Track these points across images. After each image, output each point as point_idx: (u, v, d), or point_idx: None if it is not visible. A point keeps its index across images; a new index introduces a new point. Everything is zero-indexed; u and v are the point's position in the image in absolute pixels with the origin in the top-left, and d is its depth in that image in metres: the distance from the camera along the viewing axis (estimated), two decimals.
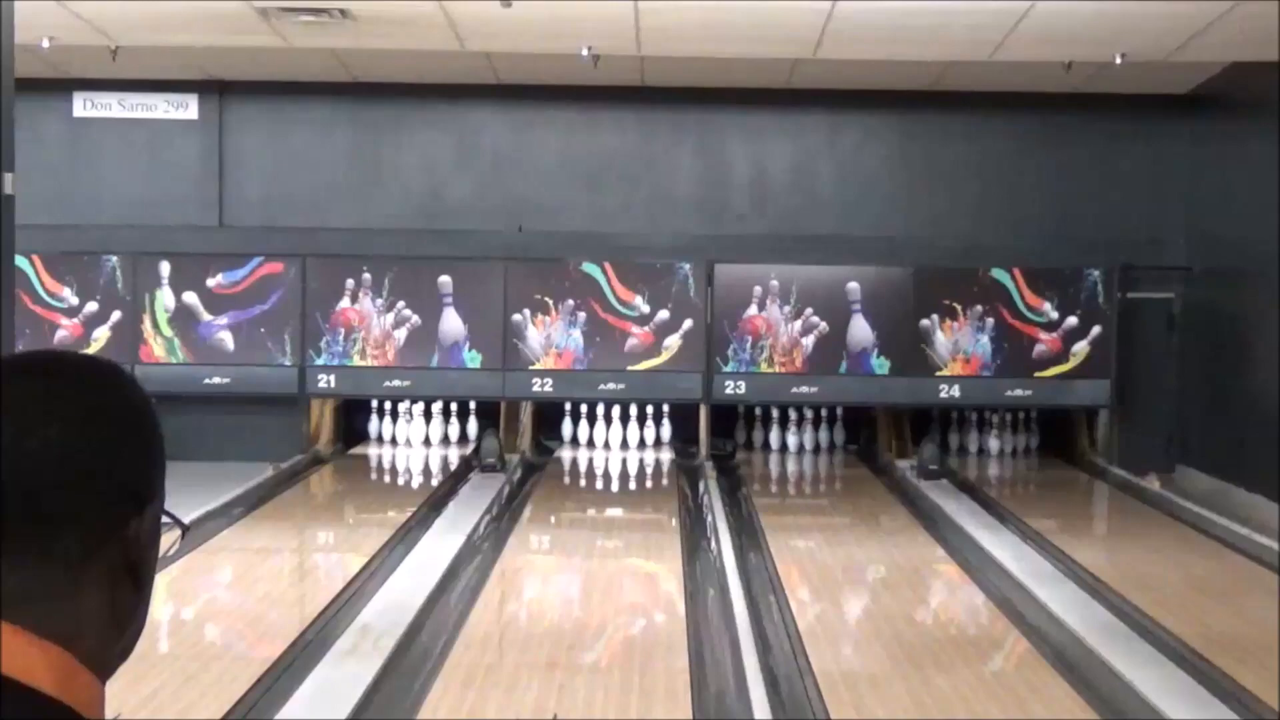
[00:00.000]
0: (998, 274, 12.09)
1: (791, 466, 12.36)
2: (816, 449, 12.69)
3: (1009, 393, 12.19)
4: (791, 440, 12.64)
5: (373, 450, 12.44)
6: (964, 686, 5.75)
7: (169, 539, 1.27)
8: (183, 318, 12.10)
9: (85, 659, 1.14)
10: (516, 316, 12.04)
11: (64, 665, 1.12)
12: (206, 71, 12.08)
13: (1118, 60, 10.29)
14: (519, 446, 12.10)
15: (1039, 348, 12.09)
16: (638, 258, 12.18)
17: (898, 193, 12.53)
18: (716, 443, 12.40)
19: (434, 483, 10.99)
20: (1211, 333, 11.71)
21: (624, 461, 12.17)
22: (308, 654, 5.96)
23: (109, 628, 1.17)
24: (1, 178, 7.84)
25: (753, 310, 12.13)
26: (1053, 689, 5.72)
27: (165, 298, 12.10)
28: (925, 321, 12.09)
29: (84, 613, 1.14)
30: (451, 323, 12.05)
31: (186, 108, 12.46)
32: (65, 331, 12.09)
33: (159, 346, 12.10)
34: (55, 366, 1.19)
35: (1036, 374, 12.10)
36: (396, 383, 12.12)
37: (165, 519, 1.25)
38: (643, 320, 12.07)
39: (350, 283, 12.09)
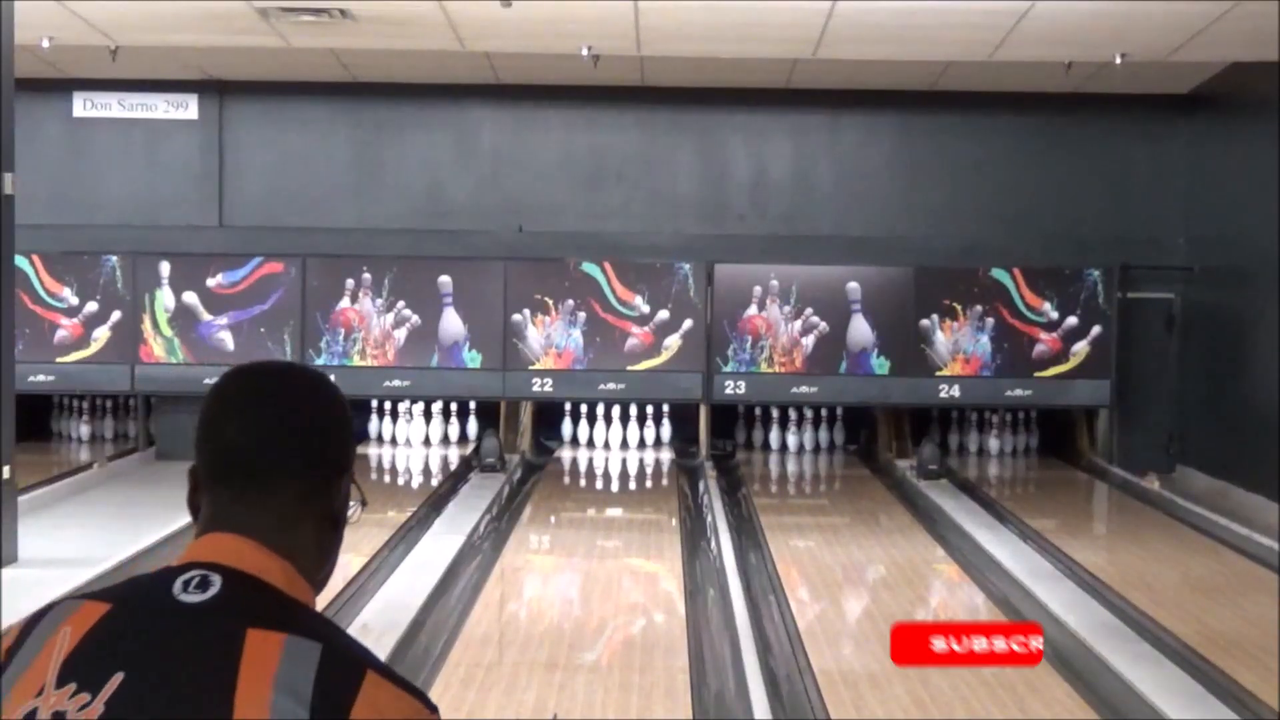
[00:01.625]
0: (998, 274, 12.09)
1: (791, 466, 12.35)
2: (816, 449, 12.69)
3: (1009, 393, 12.19)
4: (791, 440, 12.64)
5: (373, 450, 12.44)
6: (964, 686, 5.75)
7: (352, 510, 1.70)
8: (183, 318, 12.10)
9: (304, 564, 1.60)
10: (516, 316, 12.04)
11: (289, 573, 1.57)
12: (206, 71, 12.08)
13: (1118, 60, 10.29)
14: (519, 446, 12.10)
15: (1039, 348, 12.09)
16: (638, 258, 12.18)
17: (898, 193, 12.53)
18: (716, 443, 12.41)
19: (434, 483, 10.99)
20: (1211, 333, 11.71)
21: (624, 461, 12.17)
22: None
23: (316, 556, 1.62)
24: (1, 178, 7.85)
25: (753, 310, 12.13)
26: (1053, 689, 5.72)
27: (165, 298, 12.10)
28: (925, 321, 12.09)
29: (301, 541, 1.60)
30: (451, 323, 12.05)
31: (186, 108, 12.46)
32: (65, 331, 12.09)
33: (159, 346, 12.10)
34: (288, 371, 1.71)
35: (1036, 374, 12.10)
36: (396, 383, 12.12)
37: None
38: (643, 320, 12.07)
39: (350, 282, 12.09)
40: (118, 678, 1.46)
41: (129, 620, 1.50)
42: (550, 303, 12.05)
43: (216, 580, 1.52)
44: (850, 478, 11.93)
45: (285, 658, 1.45)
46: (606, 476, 11.75)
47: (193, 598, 1.50)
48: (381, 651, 5.87)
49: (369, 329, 12.09)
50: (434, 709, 1.52)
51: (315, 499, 1.62)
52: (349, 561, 8.04)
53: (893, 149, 12.58)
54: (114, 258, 12.10)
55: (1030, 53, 10.19)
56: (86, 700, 1.45)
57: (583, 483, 11.72)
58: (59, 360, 12.08)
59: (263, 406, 1.62)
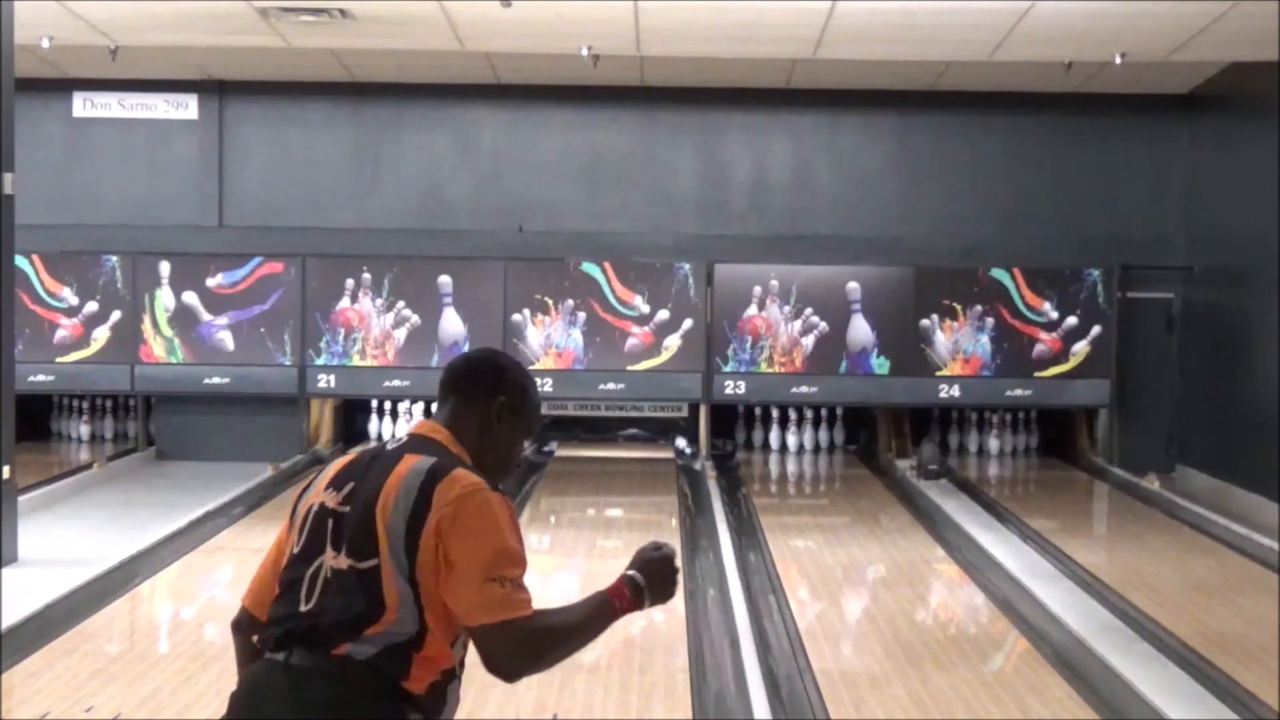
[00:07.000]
0: (998, 274, 12.09)
1: (791, 466, 12.36)
2: (816, 449, 12.69)
3: (1009, 393, 12.19)
4: (791, 440, 12.64)
5: None
6: (964, 686, 5.75)
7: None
8: (183, 318, 12.10)
9: (466, 446, 2.77)
10: (516, 316, 12.05)
11: (451, 439, 2.76)
12: (206, 71, 12.08)
13: (1118, 60, 10.29)
14: None
15: (1039, 348, 12.09)
16: (637, 258, 12.19)
17: (898, 193, 12.53)
18: (716, 443, 12.41)
19: None
20: (1211, 333, 11.71)
21: (624, 462, 12.17)
22: None
23: (475, 437, 2.79)
24: (1, 178, 7.85)
25: (753, 310, 12.13)
26: (1053, 689, 5.72)
27: (165, 298, 12.10)
28: (925, 321, 12.09)
29: (463, 425, 2.79)
30: (451, 322, 12.05)
31: (186, 108, 12.46)
32: (65, 331, 12.09)
33: (159, 346, 12.10)
34: (472, 355, 2.91)
35: (1036, 374, 12.11)
36: (396, 383, 12.12)
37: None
38: (643, 320, 12.07)
39: (350, 282, 12.09)
40: (351, 484, 2.66)
41: (361, 458, 2.74)
42: (550, 303, 12.05)
43: (405, 437, 2.77)
44: (850, 478, 11.93)
45: (413, 465, 2.63)
46: (607, 477, 11.75)
47: (391, 445, 2.75)
48: None
49: (369, 329, 12.09)
50: (501, 491, 2.67)
51: (481, 406, 2.79)
52: None
53: (892, 149, 12.58)
54: (114, 258, 12.10)
55: (1030, 53, 10.19)
56: (335, 495, 2.66)
57: (583, 483, 11.71)
58: (59, 360, 12.09)
59: (455, 368, 2.86)
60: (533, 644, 2.58)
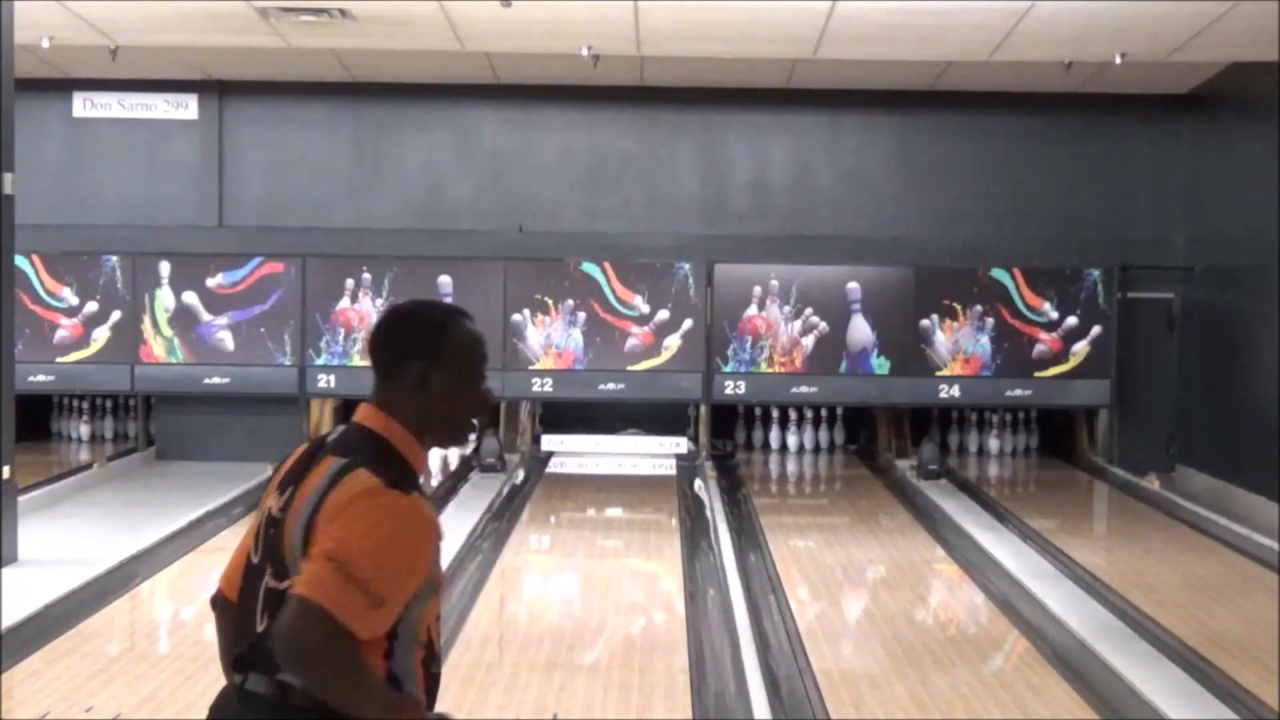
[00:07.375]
0: (998, 274, 12.09)
1: (791, 466, 12.35)
2: (816, 449, 12.69)
3: (1009, 393, 12.19)
4: (791, 440, 12.64)
5: None
6: (964, 686, 5.75)
7: None
8: (183, 318, 12.10)
9: (402, 421, 2.51)
10: (516, 316, 12.05)
11: (386, 420, 2.51)
12: (206, 71, 12.07)
13: (1118, 60, 10.29)
14: (519, 446, 12.09)
15: (1039, 348, 12.09)
16: (638, 258, 12.19)
17: (898, 193, 12.53)
18: (716, 443, 12.41)
19: (434, 483, 10.99)
20: (1211, 333, 11.71)
21: (624, 462, 12.17)
22: None
23: (411, 407, 2.51)
24: (1, 178, 7.85)
25: (753, 310, 12.13)
26: (1052, 689, 5.72)
27: (165, 298, 12.10)
28: (925, 321, 12.09)
29: (396, 398, 2.52)
30: None
31: (186, 108, 12.46)
32: (65, 331, 12.09)
33: (159, 346, 12.10)
34: (397, 307, 2.62)
35: (1036, 374, 12.10)
36: None
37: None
38: (642, 320, 12.07)
39: (350, 282, 12.09)
40: (291, 488, 2.48)
41: (303, 456, 2.54)
42: (550, 303, 12.05)
43: (341, 428, 2.56)
44: (850, 478, 11.93)
45: (327, 468, 2.43)
46: (606, 476, 11.74)
47: (329, 438, 2.54)
48: None
49: (368, 329, 12.08)
50: (397, 488, 2.38)
51: (400, 375, 2.52)
52: None
53: (893, 149, 12.57)
54: (114, 258, 12.10)
55: (1030, 53, 10.19)
56: (279, 500, 2.50)
57: (583, 483, 11.72)
58: (59, 360, 12.09)
59: (369, 339, 2.60)
60: (333, 653, 2.28)
